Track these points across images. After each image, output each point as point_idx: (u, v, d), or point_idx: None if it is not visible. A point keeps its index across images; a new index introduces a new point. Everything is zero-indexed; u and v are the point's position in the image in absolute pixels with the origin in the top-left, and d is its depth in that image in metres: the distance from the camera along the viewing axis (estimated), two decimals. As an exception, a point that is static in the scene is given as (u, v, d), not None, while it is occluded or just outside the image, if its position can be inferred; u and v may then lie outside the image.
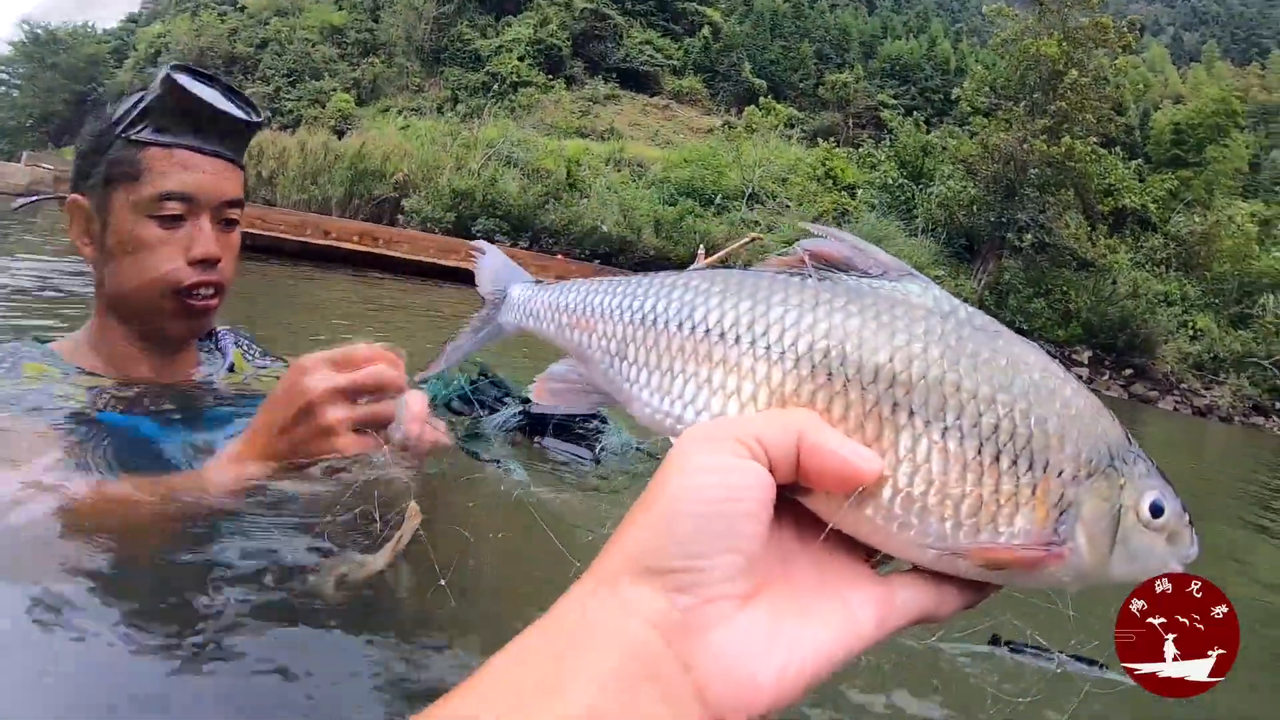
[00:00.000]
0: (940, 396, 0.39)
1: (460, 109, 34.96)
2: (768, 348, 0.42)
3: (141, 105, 1.10)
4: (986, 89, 26.21)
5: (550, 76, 37.21)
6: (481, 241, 0.71)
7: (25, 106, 55.44)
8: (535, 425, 1.61)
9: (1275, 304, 23.60)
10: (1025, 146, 23.51)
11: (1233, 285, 24.86)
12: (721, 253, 15.11)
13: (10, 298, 4.12)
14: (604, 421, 1.70)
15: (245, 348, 1.36)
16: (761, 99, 35.58)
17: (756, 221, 24.87)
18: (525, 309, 0.59)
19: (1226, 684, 0.41)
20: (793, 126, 34.16)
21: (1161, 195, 28.67)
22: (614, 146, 30.38)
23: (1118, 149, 28.00)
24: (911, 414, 0.39)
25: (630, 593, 0.34)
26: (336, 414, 0.88)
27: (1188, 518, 0.42)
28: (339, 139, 28.55)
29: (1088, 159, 23.62)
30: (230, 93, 1.18)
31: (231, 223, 1.17)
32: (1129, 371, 23.53)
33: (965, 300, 0.42)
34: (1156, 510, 0.41)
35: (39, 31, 54.70)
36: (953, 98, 30.09)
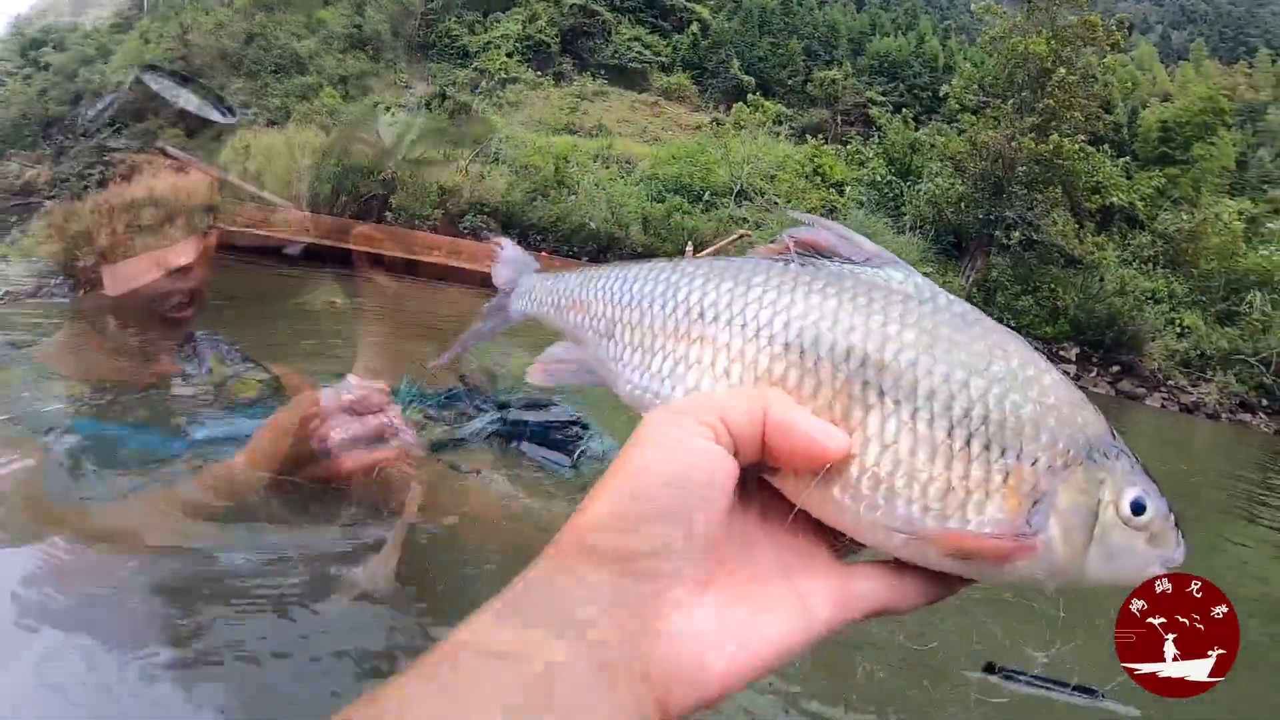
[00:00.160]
0: (912, 378, 0.39)
1: (448, 105, 34.77)
2: (743, 325, 0.42)
3: (111, 108, 1.09)
4: (975, 86, 26.16)
5: (539, 73, 37.02)
6: (503, 238, 0.74)
7: (16, 106, 55.23)
8: (513, 431, 1.60)
9: (1262, 301, 23.67)
10: (1013, 144, 23.46)
11: (1219, 282, 24.90)
12: (709, 250, 15.04)
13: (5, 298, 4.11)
14: (584, 427, 1.66)
15: (224, 353, 1.37)
16: (750, 96, 35.44)
17: (745, 218, 24.82)
18: (530, 295, 0.62)
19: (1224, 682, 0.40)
20: (781, 123, 34.05)
21: (1149, 193, 28.70)
22: (602, 143, 30.14)
23: (1106, 147, 27.97)
24: (882, 393, 0.39)
25: (590, 576, 0.34)
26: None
27: (1173, 519, 0.39)
28: (326, 135, 28.35)
29: (1075, 157, 23.60)
30: (203, 92, 1.16)
31: (207, 227, 1.17)
32: (1116, 368, 23.55)
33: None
34: (1138, 508, 0.39)
35: (33, 34, 54.44)
36: (941, 95, 29.98)
